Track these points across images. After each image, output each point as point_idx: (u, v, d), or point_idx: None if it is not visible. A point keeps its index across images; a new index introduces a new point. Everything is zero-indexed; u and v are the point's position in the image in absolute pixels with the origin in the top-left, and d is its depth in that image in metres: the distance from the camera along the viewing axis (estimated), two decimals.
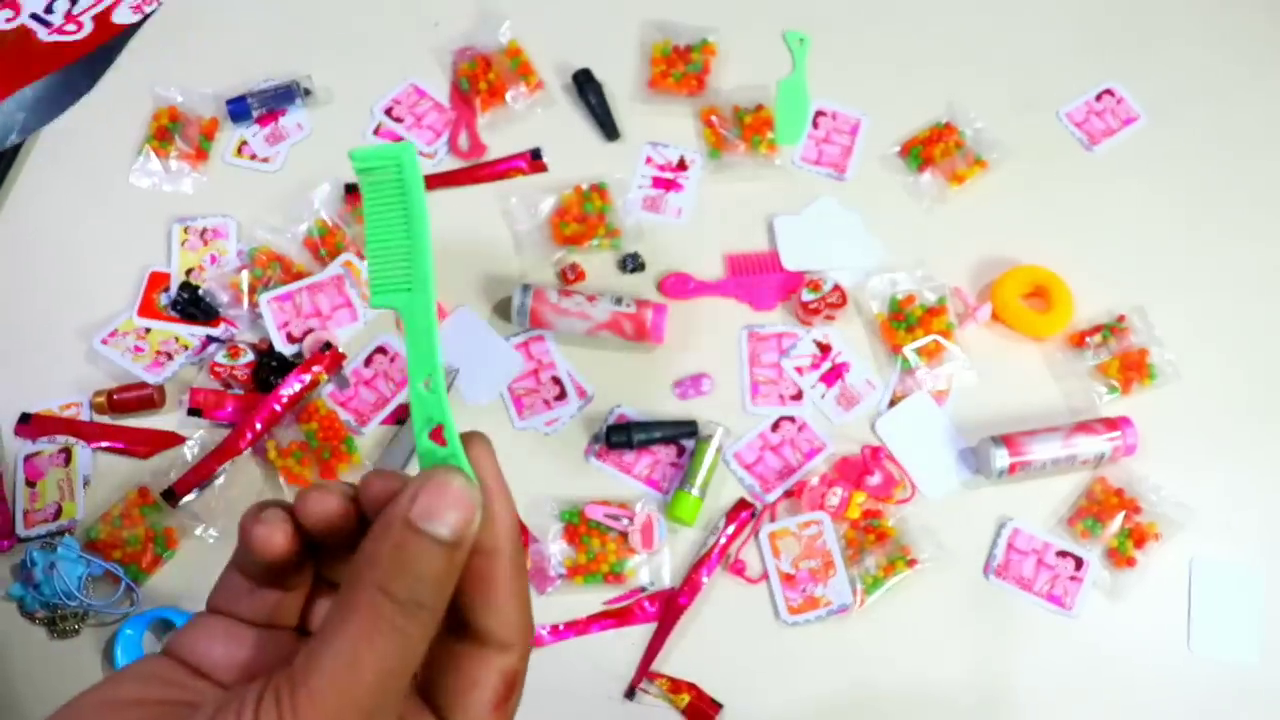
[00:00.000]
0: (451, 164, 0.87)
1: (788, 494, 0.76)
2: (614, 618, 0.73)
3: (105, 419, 0.78)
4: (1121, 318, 0.79)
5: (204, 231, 0.84)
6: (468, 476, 0.29)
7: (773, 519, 0.75)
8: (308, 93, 0.89)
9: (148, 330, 0.81)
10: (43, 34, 0.95)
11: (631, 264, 0.83)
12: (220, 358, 0.79)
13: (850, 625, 0.72)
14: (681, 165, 0.86)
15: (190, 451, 0.77)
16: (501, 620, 0.29)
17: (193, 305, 0.80)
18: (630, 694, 0.71)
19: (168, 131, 0.87)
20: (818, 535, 0.73)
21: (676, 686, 0.70)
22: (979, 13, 0.93)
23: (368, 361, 0.80)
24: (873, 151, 0.87)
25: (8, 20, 0.96)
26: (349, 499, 0.30)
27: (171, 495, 0.75)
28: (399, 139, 0.87)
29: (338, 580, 0.31)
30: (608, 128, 0.87)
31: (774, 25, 0.92)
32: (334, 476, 0.75)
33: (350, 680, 0.25)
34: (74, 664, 0.72)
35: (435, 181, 0.86)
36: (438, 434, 0.31)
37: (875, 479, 0.75)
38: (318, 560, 0.31)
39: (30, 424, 0.78)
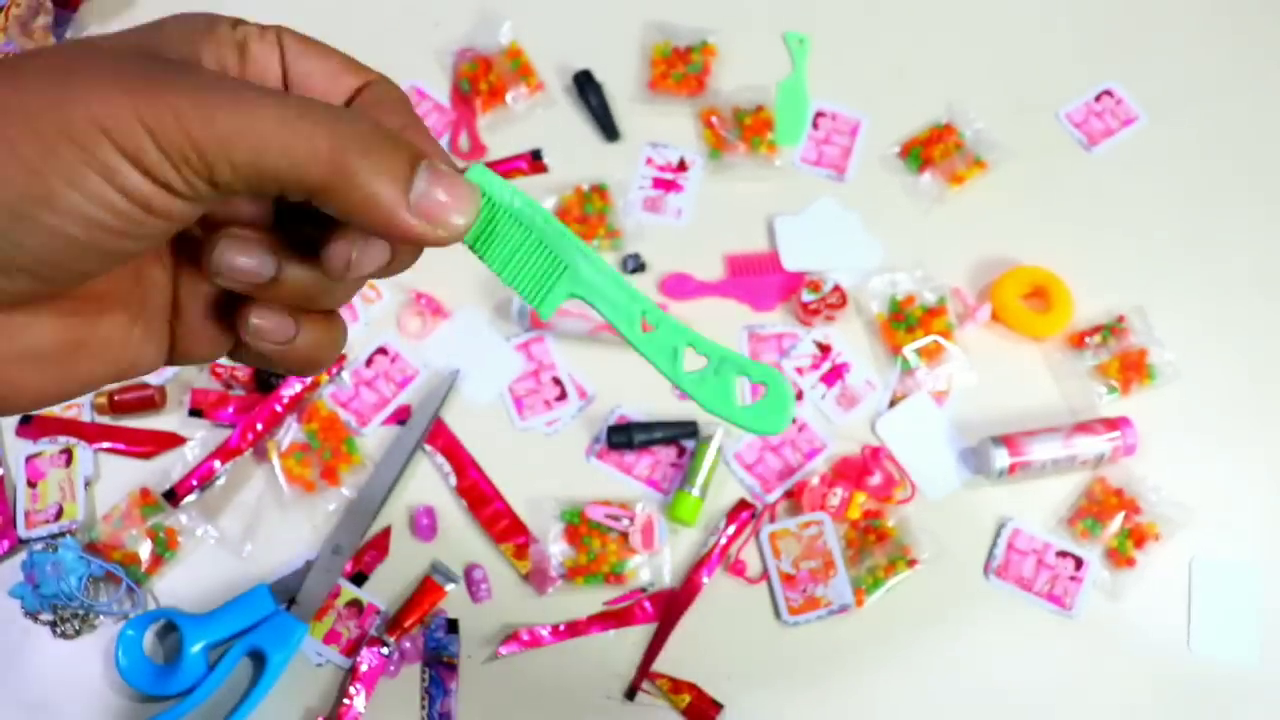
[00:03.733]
0: None
1: (788, 494, 0.76)
2: (614, 618, 0.73)
3: (106, 420, 0.78)
4: (1121, 318, 0.79)
5: None
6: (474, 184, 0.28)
7: (773, 519, 0.75)
8: None
9: None
10: None
11: (632, 264, 0.83)
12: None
13: (850, 625, 0.72)
14: (682, 166, 0.86)
15: (191, 452, 0.77)
16: None
17: None
18: (631, 694, 0.71)
19: None
20: (818, 535, 0.74)
21: (677, 687, 0.71)
22: (978, 14, 0.93)
23: (369, 362, 0.80)
24: (873, 152, 0.87)
25: None
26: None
27: (173, 496, 0.75)
28: None
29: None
30: (608, 129, 0.87)
31: (774, 26, 0.92)
32: (335, 478, 0.75)
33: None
34: (76, 664, 0.72)
35: None
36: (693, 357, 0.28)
37: (875, 479, 0.75)
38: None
39: (32, 424, 0.78)
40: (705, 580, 0.73)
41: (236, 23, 0.29)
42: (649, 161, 0.87)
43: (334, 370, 0.79)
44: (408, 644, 0.72)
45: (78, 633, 0.72)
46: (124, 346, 0.29)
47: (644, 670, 0.71)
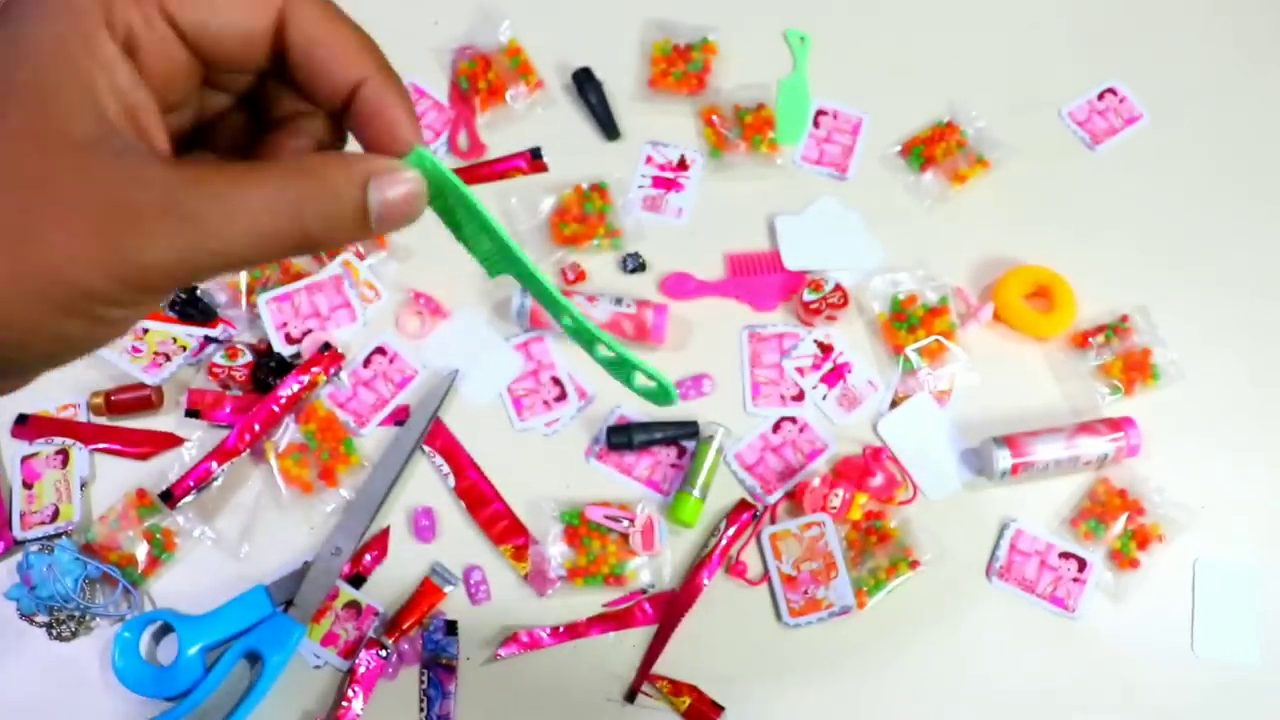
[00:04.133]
0: (451, 164, 0.87)
1: (789, 495, 0.75)
2: (614, 620, 0.72)
3: (103, 420, 0.78)
4: (1124, 318, 0.79)
5: None
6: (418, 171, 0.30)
7: (773, 520, 0.75)
8: None
9: (145, 331, 0.80)
10: None
11: (632, 264, 0.82)
12: (218, 358, 0.78)
13: (852, 627, 0.72)
14: (682, 165, 0.86)
15: (188, 453, 0.77)
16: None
17: (191, 305, 0.80)
18: (631, 696, 0.70)
19: None
20: (819, 537, 0.73)
21: (677, 689, 0.70)
22: (981, 12, 0.93)
23: (366, 362, 0.79)
24: (874, 151, 0.87)
25: None
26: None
27: (169, 497, 0.75)
28: None
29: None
30: (608, 127, 0.87)
31: (775, 24, 0.92)
32: (333, 478, 0.75)
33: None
34: (72, 666, 0.72)
35: None
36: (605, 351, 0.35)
37: (877, 480, 0.74)
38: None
39: (27, 425, 0.77)
40: (706, 582, 0.72)
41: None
42: (649, 160, 0.86)
43: (332, 370, 0.78)
44: (406, 646, 0.71)
45: (74, 635, 0.72)
46: None
47: (644, 672, 0.71)
